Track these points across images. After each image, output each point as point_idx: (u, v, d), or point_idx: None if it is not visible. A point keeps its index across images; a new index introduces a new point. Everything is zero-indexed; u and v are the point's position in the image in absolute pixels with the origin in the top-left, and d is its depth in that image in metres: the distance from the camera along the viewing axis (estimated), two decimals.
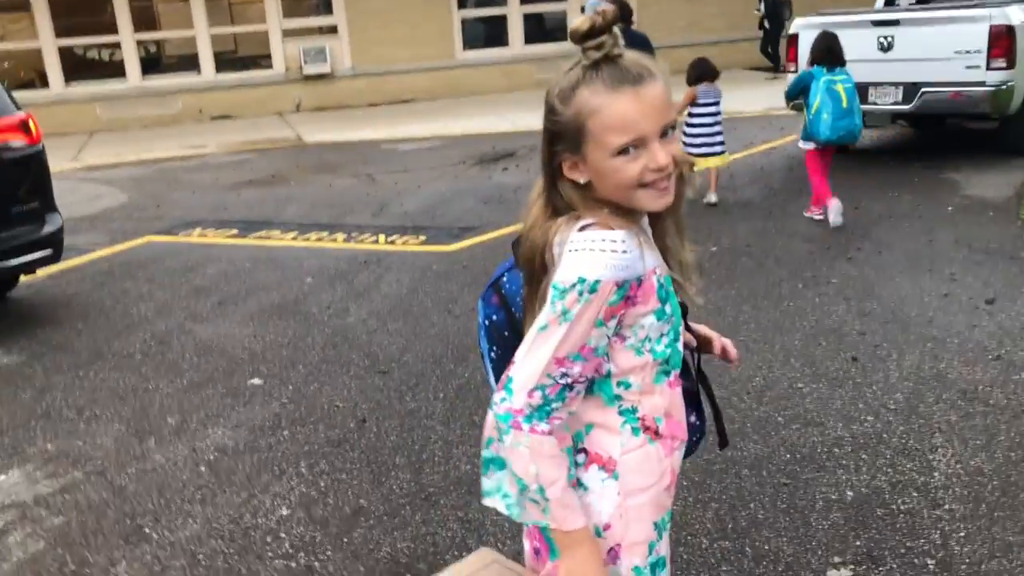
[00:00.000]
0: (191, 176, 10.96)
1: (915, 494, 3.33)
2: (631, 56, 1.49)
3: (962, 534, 3.07)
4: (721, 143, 7.82)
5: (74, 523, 3.45)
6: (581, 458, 1.62)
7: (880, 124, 9.71)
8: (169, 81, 16.43)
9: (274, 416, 4.26)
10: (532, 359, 1.50)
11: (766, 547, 3.07)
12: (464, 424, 4.06)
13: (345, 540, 3.24)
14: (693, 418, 1.80)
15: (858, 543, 3.06)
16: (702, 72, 7.70)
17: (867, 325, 4.92)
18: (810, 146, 6.95)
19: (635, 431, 1.62)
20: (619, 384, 1.60)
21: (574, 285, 1.47)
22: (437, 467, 3.71)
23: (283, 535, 3.30)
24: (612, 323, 1.51)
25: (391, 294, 5.97)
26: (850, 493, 3.36)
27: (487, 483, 1.58)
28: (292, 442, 4.00)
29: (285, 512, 3.44)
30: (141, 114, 15.93)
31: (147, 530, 3.38)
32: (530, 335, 1.51)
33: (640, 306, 1.53)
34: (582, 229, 1.51)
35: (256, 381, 4.69)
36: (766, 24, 16.22)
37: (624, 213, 1.54)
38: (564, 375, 1.50)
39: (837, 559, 2.99)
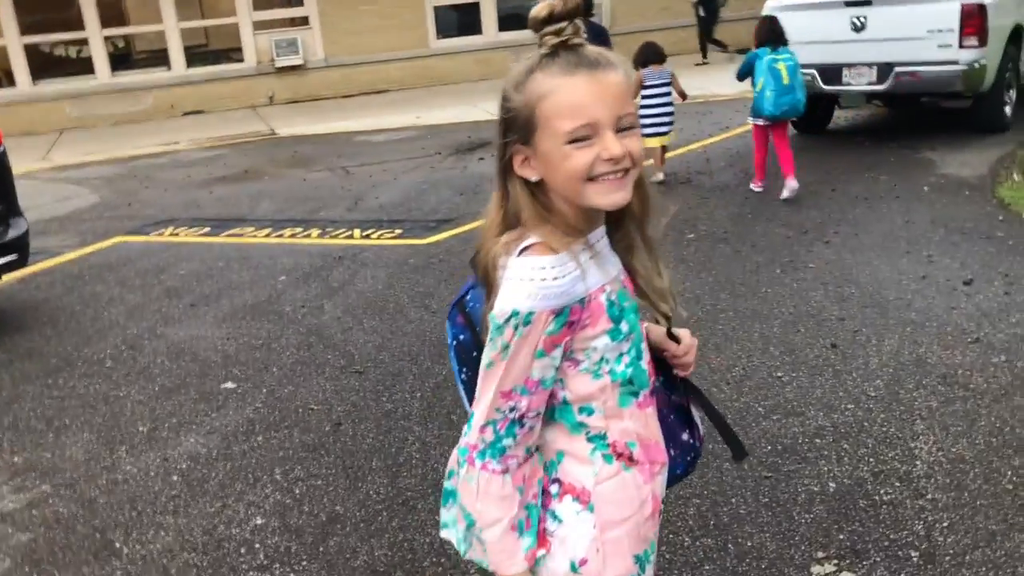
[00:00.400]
0: (163, 174, 10.80)
1: (897, 484, 3.29)
2: (592, 47, 1.43)
3: (945, 524, 3.04)
4: (668, 123, 7.92)
5: (41, 540, 3.36)
6: (555, 488, 1.54)
7: (855, 104, 9.69)
8: (139, 77, 16.21)
9: (248, 421, 4.17)
10: (484, 395, 1.45)
11: (749, 543, 3.03)
12: (442, 424, 3.98)
13: (321, 549, 3.17)
14: (686, 435, 1.71)
15: (841, 536, 3.02)
16: (648, 56, 7.89)
17: (846, 310, 4.88)
18: (759, 122, 7.27)
19: (607, 458, 1.53)
20: (581, 410, 1.52)
21: (509, 319, 1.40)
22: (414, 470, 3.63)
23: (258, 545, 3.22)
24: (556, 352, 1.44)
25: (366, 290, 5.88)
26: (832, 485, 3.31)
27: (445, 515, 1.55)
28: (266, 448, 3.91)
29: (259, 521, 3.36)
30: (111, 111, 15.71)
31: (118, 544, 3.29)
32: (480, 371, 1.46)
33: (589, 328, 1.45)
34: (521, 252, 1.43)
35: (229, 385, 4.59)
36: (701, 12, 16.17)
37: (570, 228, 1.45)
38: (512, 409, 1.44)
39: (821, 554, 2.94)
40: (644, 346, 1.56)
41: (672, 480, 1.70)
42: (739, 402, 3.98)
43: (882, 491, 3.25)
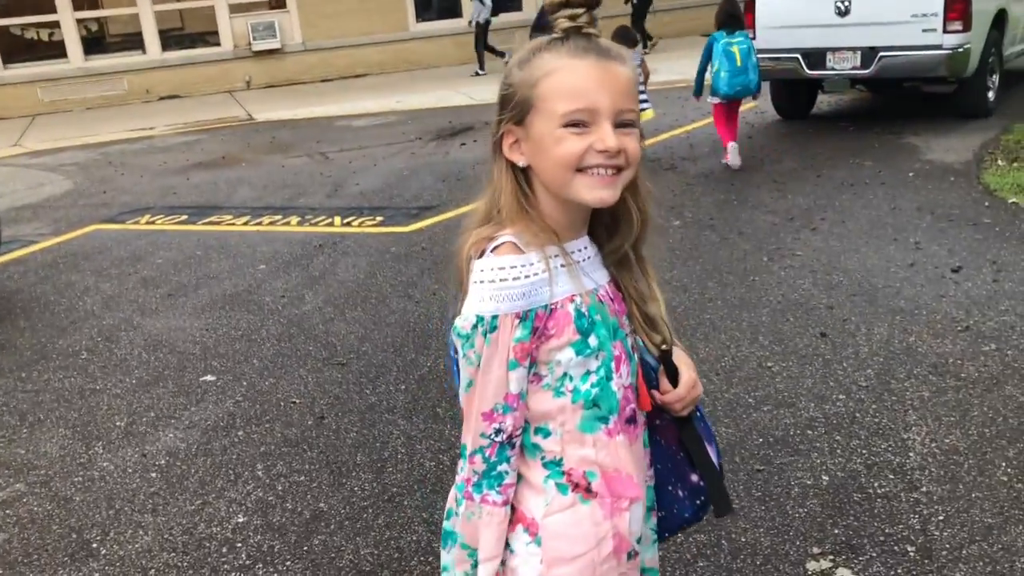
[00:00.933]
0: (138, 160, 10.64)
1: (891, 476, 3.24)
2: (605, 40, 1.37)
3: (941, 518, 3.00)
4: (642, 102, 8.05)
5: (15, 540, 3.26)
6: (511, 514, 1.45)
7: (839, 89, 9.65)
8: (113, 61, 15.97)
9: (228, 415, 4.08)
10: (469, 421, 1.38)
11: (743, 539, 2.97)
12: (427, 417, 3.91)
13: (305, 548, 3.09)
14: (696, 477, 1.58)
15: (836, 531, 2.97)
16: (623, 40, 8.18)
17: (834, 298, 4.84)
18: (716, 100, 7.74)
19: (561, 488, 1.42)
20: (536, 431, 1.42)
21: (475, 327, 1.33)
22: (400, 465, 3.56)
23: (239, 545, 3.13)
24: (527, 362, 1.36)
25: (348, 279, 5.78)
26: (825, 478, 3.26)
27: (445, 557, 1.46)
28: (247, 443, 3.82)
29: (241, 519, 3.28)
30: (85, 96, 15.47)
31: (95, 545, 3.20)
32: (461, 395, 1.38)
33: (554, 339, 1.36)
34: (491, 252, 1.36)
35: (208, 378, 4.49)
36: (633, 0, 16.04)
37: (547, 228, 1.38)
38: (498, 431, 1.36)
39: (816, 549, 2.89)
40: (625, 369, 1.45)
41: (679, 524, 1.61)
42: (729, 393, 3.93)
43: (876, 484, 3.20)
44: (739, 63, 7.41)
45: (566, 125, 1.32)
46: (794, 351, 4.27)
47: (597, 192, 1.34)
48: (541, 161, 1.36)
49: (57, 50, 15.62)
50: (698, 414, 1.58)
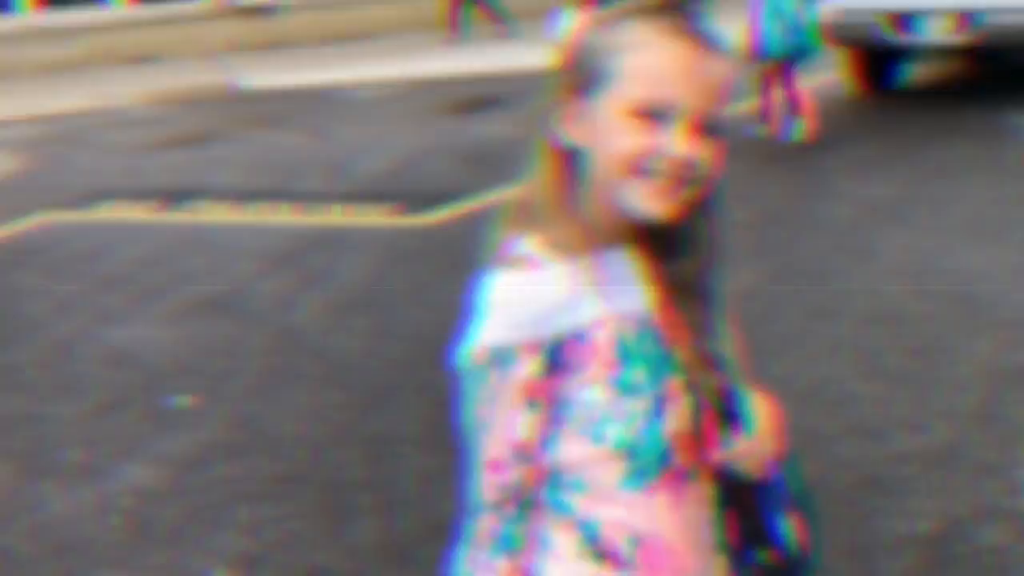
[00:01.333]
0: (100, 134, 10.75)
1: (1004, 523, 3.20)
2: (710, 24, 1.33)
3: None
4: None
5: None
6: None
7: (932, 59, 9.56)
8: (72, 17, 16.10)
9: (206, 447, 4.08)
10: (478, 469, 1.34)
11: None
12: (444, 450, 3.85)
13: None
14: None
15: None
16: None
17: (929, 308, 4.82)
18: (767, 63, 8.00)
19: (586, 556, 1.37)
20: (560, 486, 1.37)
21: (487, 359, 1.30)
22: (411, 508, 3.54)
23: None
24: (545, 402, 1.31)
25: (350, 281, 5.80)
26: (924, 525, 3.22)
27: None
28: (229, 481, 3.81)
29: (221, 575, 3.25)
30: (37, 57, 15.57)
31: None
32: (470, 437, 1.36)
33: (581, 373, 1.31)
34: (510, 267, 1.32)
35: (182, 400, 4.49)
36: None
37: (585, 231, 1.32)
38: (507, 486, 1.33)
39: None
40: (675, 412, 1.37)
41: None
42: (805, 422, 3.86)
43: (985, 533, 3.16)
44: (790, 22, 7.69)
45: (634, 113, 1.28)
46: (883, 371, 4.25)
47: (650, 203, 1.30)
48: (596, 149, 1.32)
49: (3, 2, 15.76)
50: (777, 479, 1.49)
